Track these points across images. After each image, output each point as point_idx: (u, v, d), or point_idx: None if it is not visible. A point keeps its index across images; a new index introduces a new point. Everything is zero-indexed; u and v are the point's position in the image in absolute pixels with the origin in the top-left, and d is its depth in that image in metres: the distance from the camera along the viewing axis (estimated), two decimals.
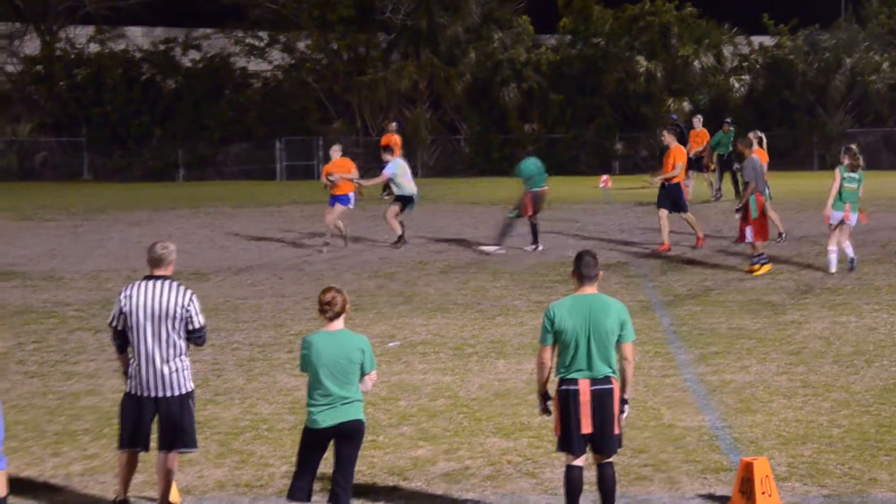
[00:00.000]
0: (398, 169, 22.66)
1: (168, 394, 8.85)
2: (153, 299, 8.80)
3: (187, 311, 8.84)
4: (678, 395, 12.05)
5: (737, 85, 47.51)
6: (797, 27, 49.85)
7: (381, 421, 11.32)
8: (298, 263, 21.38)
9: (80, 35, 47.44)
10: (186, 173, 44.98)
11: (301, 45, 47.63)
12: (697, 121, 31.36)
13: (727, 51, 49.34)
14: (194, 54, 47.39)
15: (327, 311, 8.30)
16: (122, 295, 8.91)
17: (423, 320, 16.05)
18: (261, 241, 24.65)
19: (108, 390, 12.56)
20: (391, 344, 14.59)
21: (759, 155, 21.19)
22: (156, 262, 9.00)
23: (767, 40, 50.53)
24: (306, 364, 8.29)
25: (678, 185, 21.39)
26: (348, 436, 8.24)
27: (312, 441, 8.28)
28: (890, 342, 14.22)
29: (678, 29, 47.58)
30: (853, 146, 19.12)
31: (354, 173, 22.38)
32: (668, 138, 21.43)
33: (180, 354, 8.88)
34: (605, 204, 31.50)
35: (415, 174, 28.07)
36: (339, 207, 22.18)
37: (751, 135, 20.62)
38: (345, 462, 8.28)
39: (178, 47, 47.36)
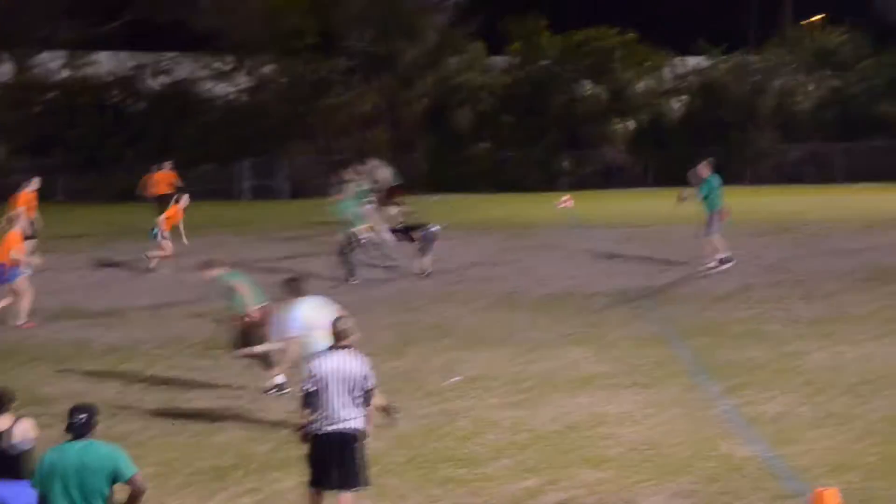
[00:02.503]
0: None
1: None
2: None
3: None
4: (725, 427, 13.83)
5: (676, 105, 50.16)
6: (729, 49, 52.72)
7: (481, 455, 13.02)
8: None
9: (53, 60, 48.44)
10: None
11: (265, 70, 49.22)
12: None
13: (666, 72, 52.02)
14: (163, 78, 48.71)
15: None
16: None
17: (470, 354, 17.76)
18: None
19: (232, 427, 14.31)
20: (455, 378, 16.32)
21: None
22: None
23: (703, 62, 53.31)
24: None
25: None
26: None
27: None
28: (887, 371, 16.08)
29: (620, 53, 50.10)
30: None
31: None
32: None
33: None
34: (582, 228, 32.38)
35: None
36: None
37: None
38: None
39: (147, 71, 48.66)
